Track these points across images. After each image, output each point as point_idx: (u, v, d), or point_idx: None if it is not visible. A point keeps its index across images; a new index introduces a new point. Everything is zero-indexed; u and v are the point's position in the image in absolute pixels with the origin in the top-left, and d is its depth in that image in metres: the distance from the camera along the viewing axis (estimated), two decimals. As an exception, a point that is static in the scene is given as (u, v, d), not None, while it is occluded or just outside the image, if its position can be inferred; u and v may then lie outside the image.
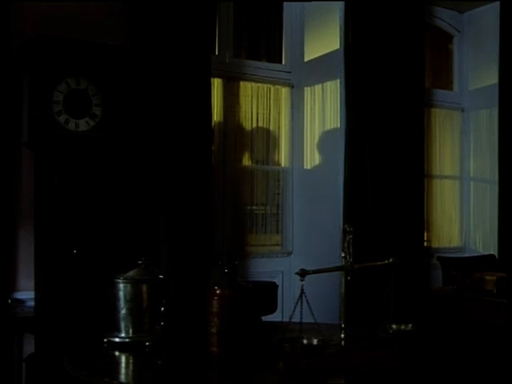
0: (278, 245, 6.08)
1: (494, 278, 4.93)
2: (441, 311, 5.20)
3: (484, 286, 4.97)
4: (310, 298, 2.84)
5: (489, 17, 6.57)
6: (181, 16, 4.72)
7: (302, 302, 2.76)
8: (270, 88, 5.87)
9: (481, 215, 6.77)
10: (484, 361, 4.57)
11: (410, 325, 3.10)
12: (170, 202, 4.67)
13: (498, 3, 6.30)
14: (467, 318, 4.94)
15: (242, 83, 5.74)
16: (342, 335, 2.89)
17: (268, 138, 5.98)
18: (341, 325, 2.90)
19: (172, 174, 4.68)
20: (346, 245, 2.86)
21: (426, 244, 6.32)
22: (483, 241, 6.76)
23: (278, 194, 6.37)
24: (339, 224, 5.48)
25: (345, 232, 2.88)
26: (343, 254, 2.87)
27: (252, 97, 5.80)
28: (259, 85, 5.85)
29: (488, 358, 4.58)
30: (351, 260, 2.85)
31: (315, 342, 2.81)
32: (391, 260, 2.99)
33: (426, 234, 6.29)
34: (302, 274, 2.78)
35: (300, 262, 5.72)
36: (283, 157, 6.16)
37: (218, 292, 2.79)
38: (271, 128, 5.95)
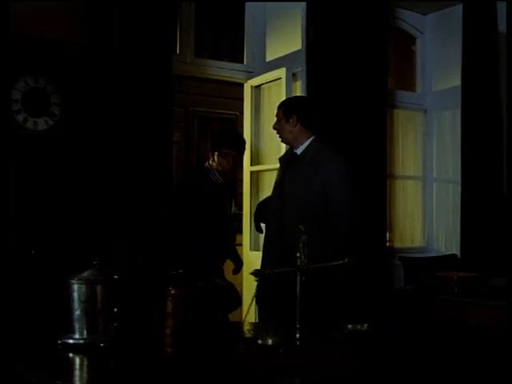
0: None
1: (455, 277, 4.98)
2: (402, 310, 5.23)
3: (445, 285, 5.01)
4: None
5: (452, 19, 6.60)
6: (141, 14, 4.67)
7: (256, 302, 2.75)
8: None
9: (443, 215, 6.82)
10: (444, 360, 4.60)
11: (366, 324, 3.11)
12: (128, 201, 4.63)
13: (460, 5, 6.35)
14: (428, 317, 4.97)
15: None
16: (298, 335, 2.89)
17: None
18: (296, 325, 2.90)
19: (131, 173, 4.64)
20: (300, 245, 2.86)
21: (388, 244, 6.34)
22: (446, 240, 6.81)
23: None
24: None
25: (299, 232, 2.88)
26: (298, 255, 2.87)
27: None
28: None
29: (447, 357, 4.61)
30: (306, 260, 2.85)
31: (270, 342, 2.80)
32: (346, 260, 3.01)
33: (388, 234, 6.32)
34: (257, 274, 2.77)
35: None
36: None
37: (171, 292, 2.77)
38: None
